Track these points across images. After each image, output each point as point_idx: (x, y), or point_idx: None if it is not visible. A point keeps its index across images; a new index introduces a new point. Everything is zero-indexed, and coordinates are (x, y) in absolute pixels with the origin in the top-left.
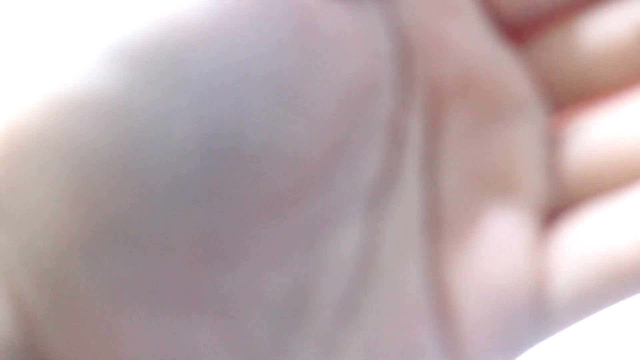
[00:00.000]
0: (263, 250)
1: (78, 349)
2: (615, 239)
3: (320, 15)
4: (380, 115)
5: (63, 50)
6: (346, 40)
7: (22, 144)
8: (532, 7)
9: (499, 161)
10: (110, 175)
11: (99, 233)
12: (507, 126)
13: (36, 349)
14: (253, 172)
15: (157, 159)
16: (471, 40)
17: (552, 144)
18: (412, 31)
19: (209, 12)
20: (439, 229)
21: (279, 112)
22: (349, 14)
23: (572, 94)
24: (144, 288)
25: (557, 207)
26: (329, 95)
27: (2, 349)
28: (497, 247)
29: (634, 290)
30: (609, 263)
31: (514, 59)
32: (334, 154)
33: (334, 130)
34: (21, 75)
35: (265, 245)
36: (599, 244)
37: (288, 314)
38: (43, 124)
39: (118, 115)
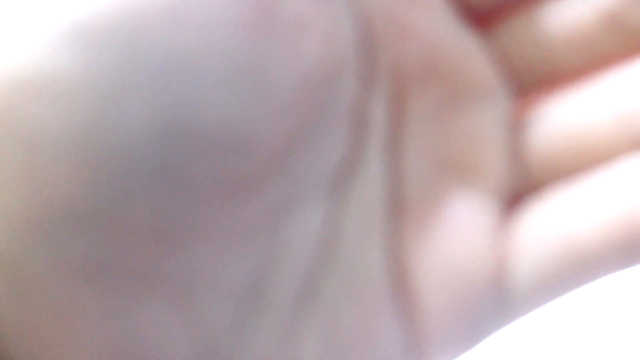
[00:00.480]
0: (222, 233)
1: (32, 330)
2: (576, 224)
3: None
4: (343, 101)
5: (15, 30)
6: (307, 24)
7: None
8: None
9: (462, 146)
10: (63, 156)
11: (52, 214)
12: (471, 111)
13: None
14: (210, 155)
15: (111, 140)
16: (435, 26)
17: (516, 129)
18: (375, 16)
19: None
20: (401, 214)
21: (236, 94)
22: None
23: (536, 79)
24: (99, 269)
25: (520, 191)
26: (288, 80)
27: None
28: (459, 231)
29: (595, 275)
30: (570, 247)
31: (478, 44)
32: (296, 138)
33: (295, 115)
34: None
35: (224, 228)
36: (561, 228)
37: (247, 298)
38: None
39: (71, 96)
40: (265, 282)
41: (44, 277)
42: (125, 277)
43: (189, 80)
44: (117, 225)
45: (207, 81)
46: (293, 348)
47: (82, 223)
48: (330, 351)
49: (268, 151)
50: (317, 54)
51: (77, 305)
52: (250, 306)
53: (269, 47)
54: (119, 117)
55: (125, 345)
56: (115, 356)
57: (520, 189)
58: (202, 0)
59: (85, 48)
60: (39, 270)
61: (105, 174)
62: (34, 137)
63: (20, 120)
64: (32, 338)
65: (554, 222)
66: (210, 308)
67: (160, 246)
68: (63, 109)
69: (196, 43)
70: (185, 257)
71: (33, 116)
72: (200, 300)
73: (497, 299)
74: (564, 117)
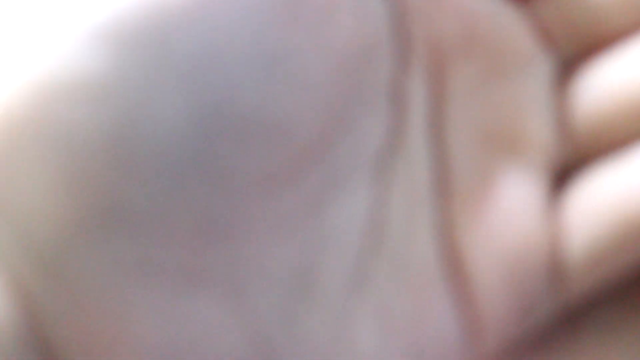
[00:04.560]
0: (266, 223)
1: (83, 334)
2: (628, 197)
3: None
4: (381, 80)
5: (46, 33)
6: (336, 5)
7: (11, 131)
8: None
9: (507, 120)
10: (103, 158)
11: (96, 216)
12: (514, 83)
13: (41, 335)
14: (248, 145)
15: (149, 138)
16: None
17: (561, 98)
18: None
19: None
20: (449, 193)
21: (268, 80)
22: None
23: (581, 45)
24: (147, 269)
25: (569, 164)
26: (321, 64)
27: (6, 337)
28: (509, 209)
29: None
30: (622, 221)
31: (517, 14)
32: (334, 122)
33: (332, 99)
34: (5, 60)
35: (268, 218)
36: (612, 202)
37: (297, 287)
38: (30, 110)
39: (106, 97)
40: (314, 269)
41: (92, 279)
42: (173, 274)
43: (221, 71)
44: (160, 222)
45: (239, 69)
46: (347, 335)
47: (126, 222)
48: (384, 335)
49: (306, 137)
50: (348, 32)
51: (127, 305)
52: (300, 295)
53: (298, 31)
54: (153, 113)
55: (179, 343)
56: (170, 354)
57: (569, 161)
58: None
59: (116, 48)
60: (87, 272)
61: (144, 171)
62: (71, 140)
63: (56, 124)
64: (83, 340)
65: (603, 193)
66: (261, 299)
67: (205, 240)
68: (97, 110)
69: (226, 33)
70: (230, 250)
71: (69, 119)
72: (250, 292)
73: (552, 277)
74: (609, 79)
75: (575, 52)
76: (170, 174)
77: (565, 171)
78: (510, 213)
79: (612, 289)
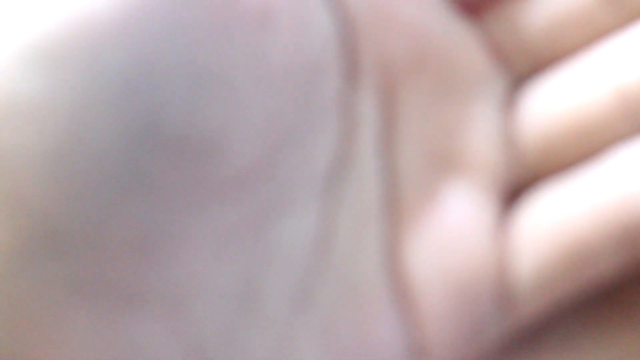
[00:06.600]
0: (206, 240)
1: (22, 354)
2: (573, 217)
3: None
4: (329, 98)
5: None
6: (273, 22)
7: None
8: None
9: (457, 139)
10: (37, 179)
11: (33, 238)
12: (465, 102)
13: None
14: (182, 162)
15: (82, 158)
16: (423, 15)
17: (511, 116)
18: (358, 9)
19: (119, 3)
20: (397, 213)
21: (201, 99)
22: None
23: (534, 64)
24: (84, 288)
25: (519, 183)
26: (258, 81)
27: None
28: (458, 230)
29: (597, 272)
30: (568, 242)
31: (469, 33)
32: (278, 140)
33: (274, 117)
34: None
35: (208, 235)
36: (559, 222)
37: (239, 305)
38: None
39: (38, 117)
40: (257, 287)
41: (30, 300)
42: (112, 293)
43: (151, 88)
44: (97, 242)
45: (169, 86)
46: (290, 353)
47: (64, 243)
48: (328, 353)
49: (246, 154)
50: (288, 49)
51: (67, 325)
52: (243, 312)
53: (229, 46)
54: (85, 133)
55: None
56: None
57: (520, 180)
58: (156, 4)
59: (44, 68)
60: (26, 294)
61: (79, 192)
62: (6, 163)
63: None
64: None
65: (552, 215)
66: (201, 317)
67: (142, 258)
68: (30, 132)
69: (155, 50)
70: (169, 267)
71: (2, 142)
72: (190, 309)
73: (499, 299)
74: (558, 97)
75: (528, 71)
76: (105, 193)
77: (516, 191)
78: (458, 233)
79: (570, 306)
